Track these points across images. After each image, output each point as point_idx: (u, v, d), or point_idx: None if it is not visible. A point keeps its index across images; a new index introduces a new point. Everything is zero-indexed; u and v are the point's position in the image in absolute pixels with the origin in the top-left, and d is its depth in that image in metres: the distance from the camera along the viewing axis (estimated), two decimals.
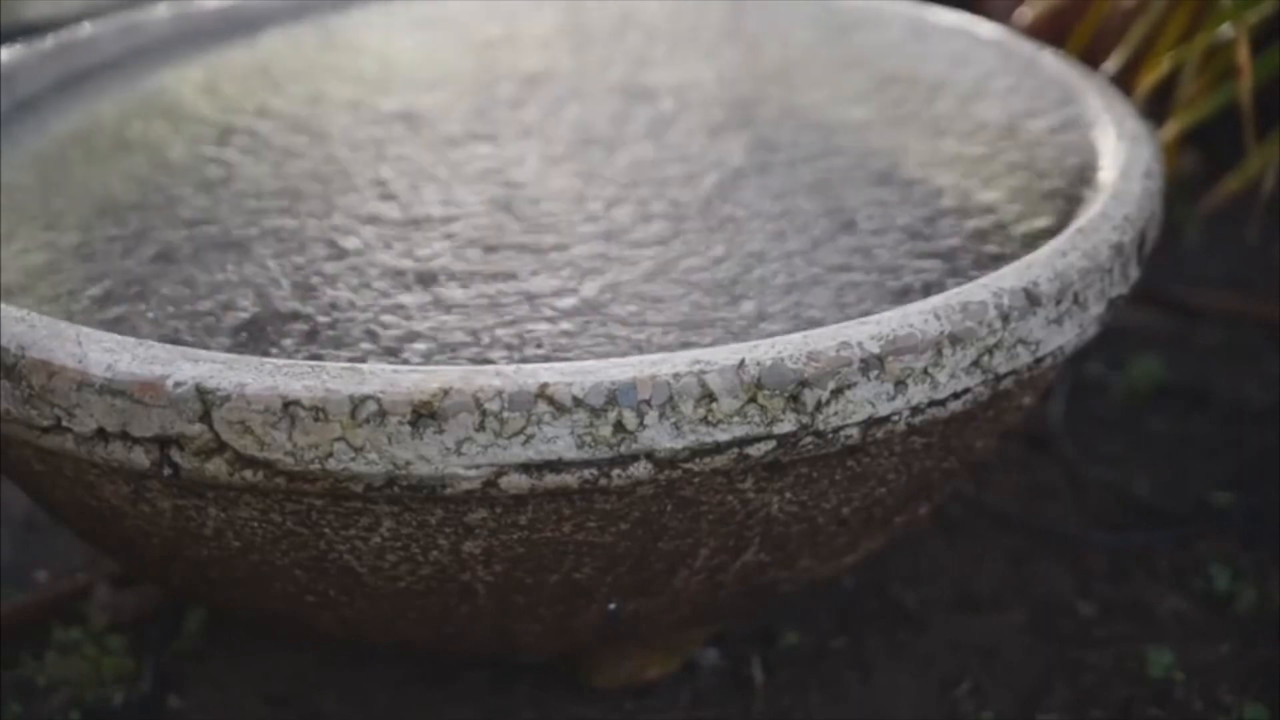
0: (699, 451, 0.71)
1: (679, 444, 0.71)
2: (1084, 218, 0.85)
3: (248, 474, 0.71)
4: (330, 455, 0.70)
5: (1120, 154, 0.92)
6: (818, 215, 0.93)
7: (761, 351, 0.72)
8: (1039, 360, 0.79)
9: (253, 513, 0.75)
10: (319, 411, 0.69)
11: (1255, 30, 1.12)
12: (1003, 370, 0.77)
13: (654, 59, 1.16)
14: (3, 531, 1.09)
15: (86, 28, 1.14)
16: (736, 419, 0.71)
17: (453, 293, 0.85)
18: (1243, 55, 1.10)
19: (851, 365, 0.72)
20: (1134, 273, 0.86)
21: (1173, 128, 1.17)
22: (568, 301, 0.84)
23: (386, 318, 0.83)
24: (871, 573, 1.03)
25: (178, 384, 0.70)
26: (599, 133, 1.05)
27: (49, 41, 1.11)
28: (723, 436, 0.71)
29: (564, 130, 1.05)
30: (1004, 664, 0.97)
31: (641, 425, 0.70)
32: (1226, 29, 1.13)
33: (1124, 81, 1.17)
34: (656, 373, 0.70)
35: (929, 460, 0.81)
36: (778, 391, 0.71)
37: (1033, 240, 0.87)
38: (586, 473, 0.71)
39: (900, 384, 0.74)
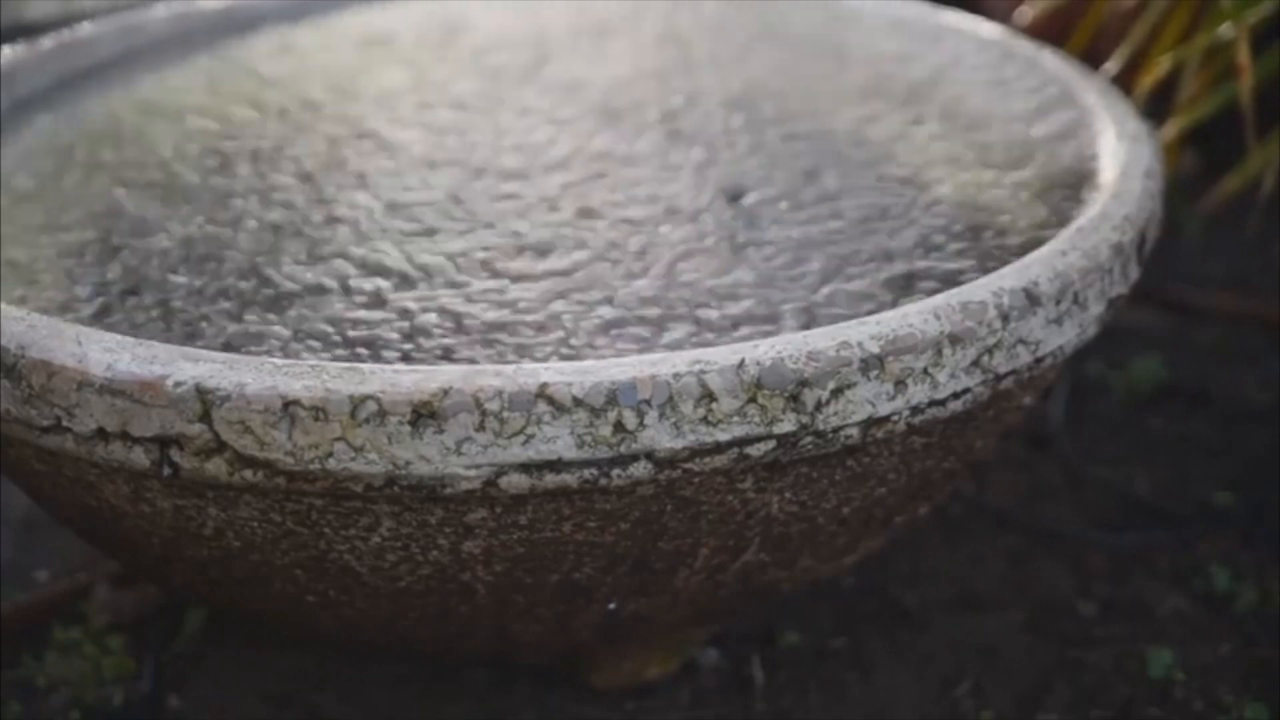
0: (699, 451, 0.71)
1: (679, 444, 0.71)
2: (1084, 217, 0.85)
3: (248, 474, 0.71)
4: (330, 455, 0.70)
5: (1120, 153, 0.92)
6: (814, 214, 0.93)
7: (761, 351, 0.72)
8: (1039, 360, 0.79)
9: (253, 512, 0.75)
10: (319, 411, 0.69)
11: (1255, 30, 1.12)
12: (1003, 370, 0.77)
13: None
14: (3, 531, 1.09)
15: (86, 28, 1.14)
16: (736, 419, 0.71)
17: None
18: (1243, 55, 1.10)
19: (851, 365, 0.72)
20: (1134, 272, 0.86)
21: (1173, 128, 1.17)
22: None
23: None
24: (871, 573, 1.03)
25: (178, 384, 0.70)
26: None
27: (49, 41, 1.11)
28: (723, 436, 0.71)
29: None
30: (1004, 664, 0.97)
31: (641, 425, 0.70)
32: (1226, 29, 1.13)
33: (1124, 81, 1.17)
34: (656, 372, 0.70)
35: (929, 460, 0.81)
36: (778, 391, 0.71)
37: (1032, 239, 0.87)
38: (586, 473, 0.71)
39: (900, 384, 0.74)
